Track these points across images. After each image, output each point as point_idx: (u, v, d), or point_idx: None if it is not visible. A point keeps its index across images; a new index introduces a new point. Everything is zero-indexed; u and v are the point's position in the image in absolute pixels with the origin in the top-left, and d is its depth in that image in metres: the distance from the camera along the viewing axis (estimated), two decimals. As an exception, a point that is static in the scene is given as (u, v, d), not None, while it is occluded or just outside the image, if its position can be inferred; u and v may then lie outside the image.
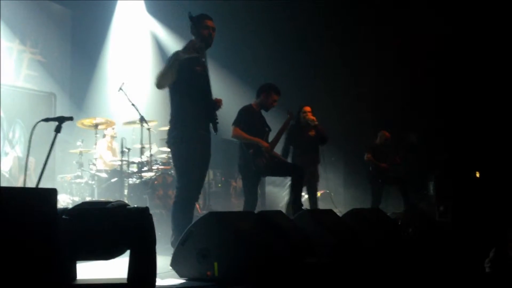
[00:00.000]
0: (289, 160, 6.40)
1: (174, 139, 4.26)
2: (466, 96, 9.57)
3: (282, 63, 9.98)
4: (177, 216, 4.21)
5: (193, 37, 4.31)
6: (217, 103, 4.35)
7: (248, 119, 5.36)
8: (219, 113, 4.53)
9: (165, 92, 4.41)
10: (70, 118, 3.35)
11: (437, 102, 9.87)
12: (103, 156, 7.41)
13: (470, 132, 9.47)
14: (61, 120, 3.25)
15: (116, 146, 7.44)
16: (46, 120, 3.31)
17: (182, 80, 4.23)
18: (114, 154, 7.51)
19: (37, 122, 3.20)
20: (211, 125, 4.34)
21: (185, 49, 4.10)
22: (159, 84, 4.19)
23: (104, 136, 7.65)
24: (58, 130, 3.25)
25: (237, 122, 5.35)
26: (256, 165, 5.24)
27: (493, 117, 9.30)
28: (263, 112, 5.70)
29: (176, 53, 4.12)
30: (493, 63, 9.26)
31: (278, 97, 5.54)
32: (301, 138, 6.59)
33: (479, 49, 9.34)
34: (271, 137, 5.73)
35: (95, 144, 6.82)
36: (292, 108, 6.20)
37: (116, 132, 7.55)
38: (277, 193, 8.89)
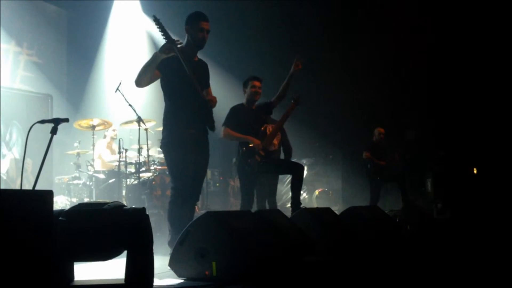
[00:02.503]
0: None
1: (164, 140, 4.27)
2: (463, 93, 9.58)
3: (279, 64, 9.96)
4: (173, 216, 4.21)
5: (186, 36, 4.36)
6: (210, 102, 4.30)
7: (238, 117, 5.34)
8: (216, 112, 4.51)
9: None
10: (66, 120, 3.34)
11: (434, 99, 9.88)
12: (102, 155, 7.40)
13: (467, 128, 9.48)
14: (56, 121, 3.24)
15: (116, 147, 7.44)
16: (42, 122, 3.29)
17: (166, 81, 4.27)
18: (113, 154, 7.50)
19: (33, 124, 3.19)
20: (206, 124, 4.31)
21: (161, 50, 4.09)
22: (137, 82, 4.25)
23: (104, 136, 7.64)
24: (54, 131, 3.23)
25: (226, 122, 5.34)
26: (249, 164, 5.20)
27: (489, 114, 9.31)
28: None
29: (154, 54, 4.13)
30: (489, 61, 9.27)
31: (258, 82, 5.47)
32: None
33: (476, 46, 9.35)
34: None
35: (93, 145, 6.81)
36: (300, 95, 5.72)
37: (117, 134, 7.53)
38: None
